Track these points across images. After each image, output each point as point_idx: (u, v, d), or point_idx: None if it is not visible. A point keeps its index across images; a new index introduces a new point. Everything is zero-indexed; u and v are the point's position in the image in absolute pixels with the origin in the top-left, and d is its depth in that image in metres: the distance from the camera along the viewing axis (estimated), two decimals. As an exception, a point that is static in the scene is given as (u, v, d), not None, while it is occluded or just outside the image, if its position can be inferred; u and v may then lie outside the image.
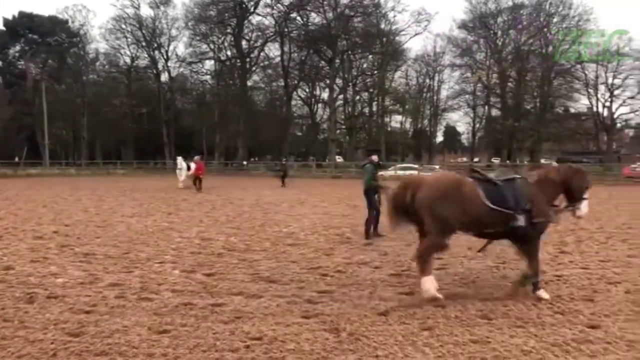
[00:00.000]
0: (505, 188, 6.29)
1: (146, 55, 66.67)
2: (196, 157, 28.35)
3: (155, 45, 65.29)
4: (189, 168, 28.62)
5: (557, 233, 11.95)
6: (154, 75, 67.62)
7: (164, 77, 67.54)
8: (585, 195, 6.77)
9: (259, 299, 6.38)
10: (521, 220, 6.17)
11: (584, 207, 6.76)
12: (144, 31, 64.30)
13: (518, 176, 6.56)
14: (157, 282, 7.20)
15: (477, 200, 6.17)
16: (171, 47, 66.29)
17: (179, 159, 31.09)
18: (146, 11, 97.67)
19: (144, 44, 65.22)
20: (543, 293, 6.36)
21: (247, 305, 6.09)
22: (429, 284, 6.13)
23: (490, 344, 4.89)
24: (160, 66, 66.54)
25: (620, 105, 58.69)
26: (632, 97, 57.68)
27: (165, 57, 66.03)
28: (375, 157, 11.51)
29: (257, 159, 69.62)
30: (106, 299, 6.36)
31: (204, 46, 64.12)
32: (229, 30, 62.74)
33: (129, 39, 65.10)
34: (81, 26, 65.64)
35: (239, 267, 8.18)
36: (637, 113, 59.76)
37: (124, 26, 64.24)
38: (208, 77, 67.53)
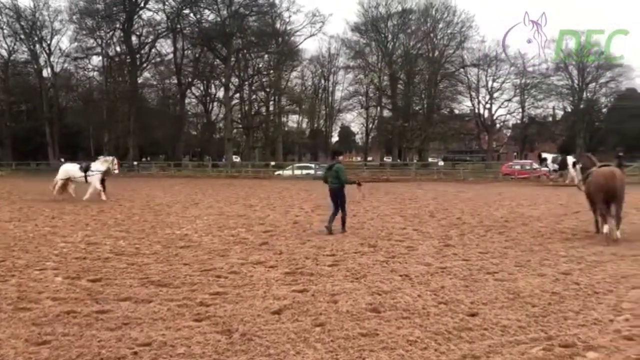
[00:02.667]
0: None
1: (25, 49, 61.97)
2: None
3: (36, 38, 60.86)
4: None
5: (441, 228, 12.64)
6: (34, 71, 62.96)
7: (47, 72, 63.16)
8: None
9: (148, 303, 6.16)
10: None
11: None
12: (22, 23, 59.64)
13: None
14: (36, 291, 6.73)
15: None
16: (54, 41, 62.06)
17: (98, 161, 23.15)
18: (25, 1, 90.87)
19: (22, 36, 60.53)
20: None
21: (135, 311, 5.86)
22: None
23: (378, 336, 5.07)
24: (42, 61, 62.15)
25: (499, 107, 63.50)
26: (509, 100, 62.59)
27: (47, 51, 61.73)
28: (341, 158, 12.87)
29: (150, 159, 67.11)
30: (-24, 311, 5.85)
31: (91, 41, 60.78)
32: (117, 25, 59.93)
33: (5, 31, 60.21)
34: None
35: (127, 272, 7.85)
36: (513, 114, 64.94)
37: (-1, 16, 59.34)
38: (95, 73, 64.02)
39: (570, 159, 30.73)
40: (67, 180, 20.82)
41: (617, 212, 10.35)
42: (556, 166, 32.52)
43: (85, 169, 20.57)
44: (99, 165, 20.69)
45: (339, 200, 12.01)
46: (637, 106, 58.75)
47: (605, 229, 10.23)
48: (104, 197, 19.92)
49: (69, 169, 21.11)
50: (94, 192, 20.14)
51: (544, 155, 35.54)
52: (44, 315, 5.68)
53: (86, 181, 20.42)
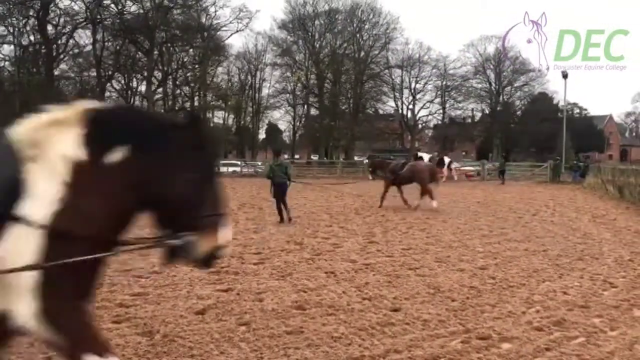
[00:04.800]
0: None
1: None
2: None
3: (-63, 23, 56.52)
4: None
5: (366, 225, 12.87)
6: None
7: (-52, 61, 58.74)
8: None
9: (64, 306, 5.86)
10: None
11: None
12: None
13: None
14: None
15: None
16: (-41, 28, 57.85)
17: None
18: None
19: None
20: None
21: (49, 315, 5.55)
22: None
23: (303, 334, 5.08)
24: (-57, 48, 57.77)
25: (422, 108, 65.63)
26: (431, 101, 64.81)
27: (-50, 37, 57.46)
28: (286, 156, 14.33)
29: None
30: None
31: (2, 29, 57.04)
32: (31, 13, 56.60)
33: None
34: None
35: (40, 273, 7.43)
36: (434, 115, 67.27)
37: None
38: (7, 63, 60.19)
39: (446, 159, 34.14)
40: None
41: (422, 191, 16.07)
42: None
43: None
44: None
45: (283, 194, 13.15)
46: (547, 109, 62.41)
47: (435, 203, 15.60)
48: None
49: None
50: None
51: (419, 154, 37.79)
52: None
53: None
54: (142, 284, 6.93)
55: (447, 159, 34.84)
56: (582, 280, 7.29)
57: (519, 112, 68.37)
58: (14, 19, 56.47)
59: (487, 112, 67.35)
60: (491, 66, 62.04)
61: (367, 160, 20.24)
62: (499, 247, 9.91)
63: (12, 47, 58.42)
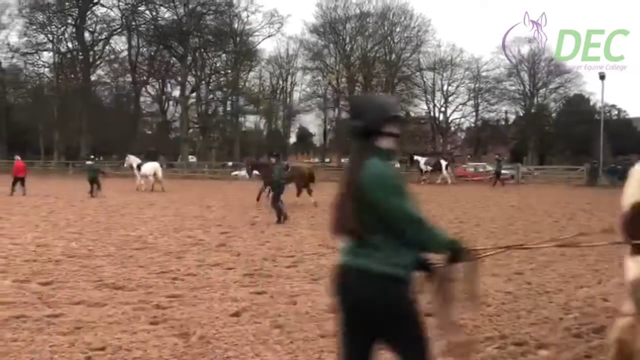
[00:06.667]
0: None
1: (-30, 43, 59.48)
2: (16, 157, 25.37)
3: (-18, 32, 58.52)
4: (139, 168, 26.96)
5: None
6: (-20, 66, 60.60)
7: (-7, 68, 60.74)
8: None
9: (103, 307, 6.00)
10: None
11: None
12: (-33, 16, 57.30)
13: None
14: (-18, 295, 6.47)
15: None
16: (2, 36, 59.64)
17: (130, 157, 29.05)
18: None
19: (-33, 30, 58.13)
20: None
21: (88, 315, 5.70)
22: None
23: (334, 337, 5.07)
24: (-12, 56, 59.77)
25: (454, 110, 64.98)
26: (463, 104, 64.11)
27: (-6, 46, 59.42)
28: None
29: (102, 159, 65.36)
30: None
31: (42, 36, 58.73)
32: (70, 21, 58.17)
33: (-51, 24, 57.68)
34: None
35: (80, 275, 7.63)
36: (467, 118, 66.51)
37: (-60, 9, 56.74)
38: (46, 69, 61.93)
39: (443, 162, 36.19)
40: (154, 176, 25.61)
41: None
42: (430, 167, 36.09)
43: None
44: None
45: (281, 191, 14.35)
46: (584, 111, 61.01)
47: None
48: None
49: (157, 166, 26.71)
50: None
51: (415, 157, 37.94)
52: (-9, 321, 5.47)
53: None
54: (177, 286, 7.04)
55: (444, 162, 35.90)
56: (622, 287, 7.11)
57: (554, 114, 66.97)
58: (54, 26, 58.18)
59: (521, 114, 66.23)
60: (525, 68, 60.92)
61: (245, 161, 21.69)
62: (535, 251, 9.72)
63: (51, 54, 60.16)
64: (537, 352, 4.78)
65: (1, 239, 10.78)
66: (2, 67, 60.64)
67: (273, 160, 16.18)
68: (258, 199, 18.41)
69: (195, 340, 5.00)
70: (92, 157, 33.29)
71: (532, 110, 63.06)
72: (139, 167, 27.51)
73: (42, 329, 5.25)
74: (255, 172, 19.54)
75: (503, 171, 37.40)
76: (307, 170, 19.03)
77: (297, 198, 18.19)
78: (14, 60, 61.12)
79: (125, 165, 31.09)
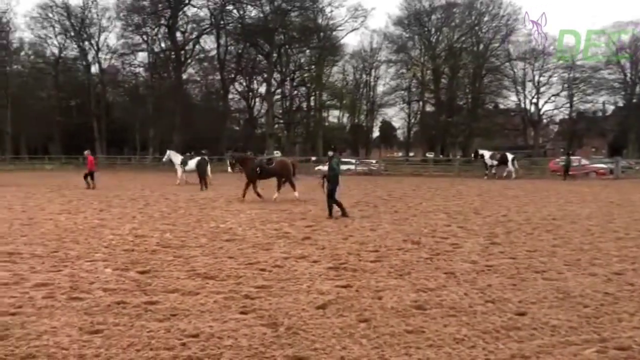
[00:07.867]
0: None
1: (75, 46, 63.92)
2: (86, 152, 26.66)
3: (85, 35, 62.67)
4: (185, 163, 28.00)
5: (487, 225, 12.41)
6: (83, 67, 65.00)
7: (94, 68, 65.00)
8: None
9: (195, 295, 6.27)
10: None
11: None
12: (72, 21, 61.55)
13: None
14: (88, 281, 6.94)
15: None
16: (102, 38, 63.73)
17: (171, 153, 30.52)
18: (75, 0, 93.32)
19: (72, 34, 62.47)
20: None
21: (183, 303, 5.97)
22: None
23: (424, 334, 5.01)
24: (90, 57, 63.98)
25: (546, 102, 61.92)
26: (556, 95, 60.97)
27: (95, 48, 63.47)
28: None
29: (193, 154, 68.05)
30: (33, 299, 6.07)
31: (137, 37, 62.22)
32: (162, 22, 61.14)
33: (57, 29, 62.20)
34: (3, 13, 62.00)
35: (174, 264, 8.01)
36: (560, 109, 63.18)
37: (50, 15, 61.18)
38: (141, 69, 65.52)
39: (509, 155, 34.80)
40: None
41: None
42: (495, 162, 34.91)
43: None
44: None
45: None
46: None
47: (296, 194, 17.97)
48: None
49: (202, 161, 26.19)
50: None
51: (480, 151, 36.35)
52: (95, 305, 5.85)
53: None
54: (265, 277, 7.21)
55: (510, 156, 34.90)
56: None
57: (658, 105, 62.34)
58: (148, 27, 61.30)
59: (621, 104, 62.10)
60: (627, 55, 56.91)
61: (229, 154, 21.02)
62: (638, 251, 9.10)
63: (145, 54, 63.46)
64: (641, 358, 4.47)
65: (103, 230, 11.52)
66: (102, 68, 64.72)
67: (271, 155, 16.47)
68: (244, 195, 18.57)
69: (283, 330, 5.11)
70: (203, 152, 34.88)
71: (634, 101, 58.90)
72: (182, 162, 28.29)
73: (140, 315, 5.56)
74: (239, 166, 19.41)
75: (600, 165, 35.79)
76: (291, 164, 19.05)
77: (277, 192, 18.54)
78: (113, 61, 65.21)
79: (164, 160, 32.20)
